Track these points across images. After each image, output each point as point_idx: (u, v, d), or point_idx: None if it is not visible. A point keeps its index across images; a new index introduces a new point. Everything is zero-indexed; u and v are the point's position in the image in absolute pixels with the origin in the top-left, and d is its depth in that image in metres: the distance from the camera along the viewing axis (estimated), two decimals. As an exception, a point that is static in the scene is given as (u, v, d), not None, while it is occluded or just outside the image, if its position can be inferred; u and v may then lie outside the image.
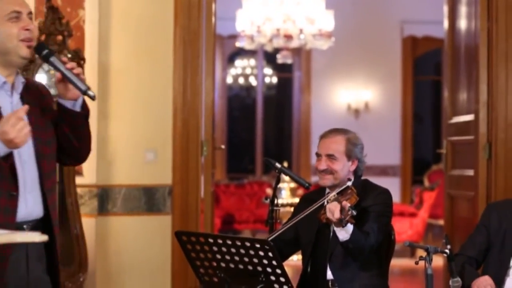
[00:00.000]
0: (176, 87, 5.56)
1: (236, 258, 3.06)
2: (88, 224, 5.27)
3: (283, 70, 13.17)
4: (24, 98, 2.86)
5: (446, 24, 6.22)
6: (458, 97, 6.03)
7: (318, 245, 3.68)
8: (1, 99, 2.81)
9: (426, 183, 11.91)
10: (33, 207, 2.82)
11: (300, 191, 9.45)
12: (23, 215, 2.78)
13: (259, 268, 3.03)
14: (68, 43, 5.10)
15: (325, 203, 3.48)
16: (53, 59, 2.80)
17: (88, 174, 5.36)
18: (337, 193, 3.51)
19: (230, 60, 13.16)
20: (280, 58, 10.95)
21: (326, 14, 9.78)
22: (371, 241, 3.49)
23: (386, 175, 12.00)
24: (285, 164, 9.07)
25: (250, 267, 3.05)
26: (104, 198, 5.46)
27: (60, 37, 5.07)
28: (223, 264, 3.11)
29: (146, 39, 5.57)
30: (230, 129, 13.17)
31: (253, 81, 13.20)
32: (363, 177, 3.78)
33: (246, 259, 3.04)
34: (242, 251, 3.03)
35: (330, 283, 3.63)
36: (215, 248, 3.09)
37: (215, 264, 3.13)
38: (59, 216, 5.05)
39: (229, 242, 3.05)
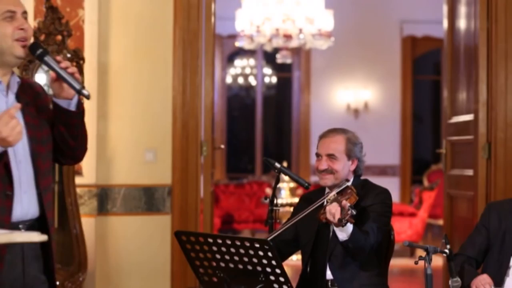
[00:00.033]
0: (175, 87, 5.56)
1: (236, 258, 3.06)
2: (88, 224, 5.27)
3: (282, 70, 13.17)
4: (19, 98, 2.84)
5: (445, 24, 6.22)
6: (457, 97, 6.03)
7: (318, 245, 3.68)
8: None
9: (426, 183, 11.91)
10: (29, 206, 2.81)
11: (300, 191, 9.45)
12: (19, 215, 2.77)
13: (259, 268, 3.03)
14: (68, 43, 5.11)
15: (325, 202, 3.48)
16: (47, 58, 2.79)
17: (87, 174, 5.36)
18: (337, 193, 3.51)
19: (230, 60, 13.16)
20: (279, 58, 10.95)
21: (326, 14, 9.77)
22: (370, 241, 3.49)
23: (386, 175, 12.01)
24: (285, 164, 9.08)
25: (249, 267, 3.05)
26: (104, 198, 5.46)
27: (59, 37, 5.08)
28: (222, 264, 3.11)
29: (145, 39, 5.57)
30: (230, 129, 13.17)
31: (252, 81, 13.20)
32: (362, 177, 3.78)
33: (245, 259, 3.04)
34: (242, 251, 3.03)
35: (329, 283, 3.63)
36: (214, 248, 3.09)
37: (214, 264, 3.13)
38: (58, 216, 5.10)
39: (228, 242, 3.05)
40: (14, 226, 2.74)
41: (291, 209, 4.41)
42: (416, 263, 3.14)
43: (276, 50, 10.75)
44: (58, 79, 2.81)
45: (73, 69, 2.80)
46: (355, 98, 12.26)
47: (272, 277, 3.03)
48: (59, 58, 2.82)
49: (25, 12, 2.85)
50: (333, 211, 3.31)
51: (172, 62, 5.56)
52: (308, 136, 12.29)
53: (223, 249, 3.07)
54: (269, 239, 3.24)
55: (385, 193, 3.68)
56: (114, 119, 5.50)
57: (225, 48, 12.72)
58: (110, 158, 5.48)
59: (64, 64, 2.79)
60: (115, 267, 5.51)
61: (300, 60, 12.45)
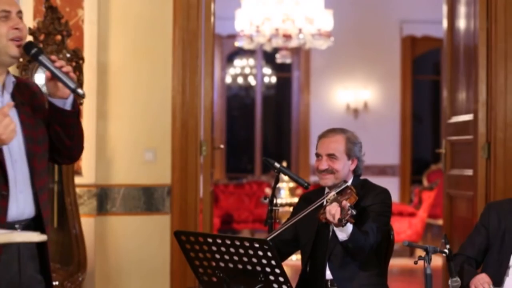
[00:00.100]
0: (175, 87, 5.56)
1: (235, 257, 3.06)
2: (87, 224, 5.27)
3: (282, 70, 13.17)
4: (15, 98, 2.84)
5: (445, 24, 6.22)
6: (457, 97, 6.03)
7: (317, 244, 3.68)
8: None
9: (425, 182, 11.91)
10: (25, 206, 2.80)
11: (299, 191, 9.45)
12: (15, 214, 2.76)
13: (258, 268, 3.03)
14: (67, 43, 5.11)
15: (324, 202, 3.48)
16: (41, 57, 2.78)
17: (87, 174, 5.36)
18: (337, 193, 3.51)
19: (229, 59, 13.16)
20: (279, 58, 10.95)
21: (325, 14, 9.77)
22: (370, 241, 3.49)
23: (385, 175, 12.01)
24: (284, 163, 9.07)
25: (249, 267, 3.05)
26: (103, 198, 5.46)
27: (59, 37, 5.07)
28: (222, 264, 3.11)
29: (145, 38, 5.57)
30: (229, 128, 13.17)
31: (252, 80, 13.20)
32: (362, 177, 3.78)
33: (245, 259, 3.04)
34: (241, 250, 3.03)
35: (329, 283, 3.63)
36: (214, 248, 3.09)
37: (214, 263, 3.13)
38: (58, 216, 5.10)
39: (228, 241, 3.04)
40: (10, 226, 2.74)
41: (291, 209, 4.41)
42: (415, 263, 3.14)
43: (276, 50, 10.75)
44: (53, 78, 2.80)
45: (67, 68, 2.79)
46: (355, 98, 12.26)
47: (271, 277, 3.03)
48: (53, 57, 2.81)
49: (20, 12, 2.85)
50: (333, 211, 3.31)
51: (171, 62, 5.56)
52: (308, 136, 12.29)
53: (223, 249, 3.07)
54: (268, 239, 3.24)
55: (385, 193, 3.68)
56: (113, 119, 5.50)
57: (225, 48, 12.72)
58: (110, 158, 5.48)
59: (59, 63, 2.79)
60: (114, 267, 5.51)
61: (300, 60, 12.45)
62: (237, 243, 3.02)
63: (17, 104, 2.81)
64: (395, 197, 11.43)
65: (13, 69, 4.82)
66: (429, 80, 13.92)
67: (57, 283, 4.99)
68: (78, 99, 2.90)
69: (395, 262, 8.44)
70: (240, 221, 10.90)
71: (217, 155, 11.71)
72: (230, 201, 11.41)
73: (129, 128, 5.54)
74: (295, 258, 7.27)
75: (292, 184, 9.39)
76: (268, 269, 3.02)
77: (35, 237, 2.47)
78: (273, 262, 2.99)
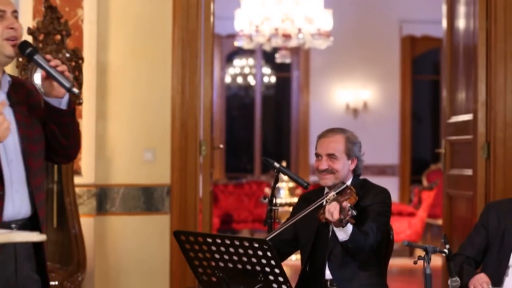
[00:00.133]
0: (174, 87, 5.56)
1: (235, 257, 3.06)
2: (87, 223, 5.27)
3: (281, 70, 13.17)
4: (10, 97, 2.83)
5: (444, 23, 6.22)
6: (456, 97, 6.03)
7: (317, 244, 3.67)
8: None
9: (425, 182, 11.91)
10: (21, 206, 2.79)
11: (299, 191, 9.45)
12: (10, 214, 2.76)
13: (258, 268, 3.03)
14: (67, 43, 5.10)
15: (324, 202, 3.48)
16: (36, 57, 2.78)
17: (86, 173, 5.35)
18: (336, 193, 3.50)
19: (229, 59, 13.15)
20: (278, 58, 10.95)
21: (325, 14, 9.77)
22: (370, 241, 3.49)
23: (385, 175, 12.00)
24: (284, 163, 9.07)
25: (248, 267, 3.05)
26: (103, 197, 5.46)
27: (58, 37, 5.07)
28: (221, 264, 3.11)
29: (144, 38, 5.57)
30: (229, 128, 13.17)
31: (251, 80, 13.20)
32: (361, 177, 3.78)
33: (244, 259, 3.04)
34: (241, 250, 3.02)
35: (329, 283, 3.63)
36: (213, 248, 3.09)
37: (213, 263, 3.13)
38: (57, 216, 5.10)
39: (227, 241, 3.04)
40: (6, 226, 2.73)
41: (290, 209, 4.40)
42: (415, 263, 3.14)
43: (275, 50, 10.74)
44: (48, 77, 2.80)
45: (63, 67, 2.79)
46: (354, 98, 12.26)
47: (271, 277, 3.03)
48: (48, 56, 2.81)
49: (15, 11, 2.84)
50: (332, 211, 3.31)
51: (171, 61, 5.56)
52: (307, 136, 12.29)
53: (222, 248, 3.07)
54: (268, 239, 3.24)
55: (385, 193, 3.68)
56: (113, 118, 5.50)
57: (224, 48, 12.72)
58: (109, 157, 5.48)
59: (54, 62, 2.78)
60: (114, 266, 5.51)
61: (299, 59, 12.45)
62: (237, 243, 3.02)
63: (13, 103, 2.81)
64: (394, 197, 11.41)
65: (12, 69, 4.83)
66: (429, 80, 13.92)
67: (56, 283, 4.99)
68: (76, 98, 2.89)
69: (395, 262, 8.44)
70: (239, 221, 10.91)
71: (217, 155, 11.71)
72: (230, 201, 11.41)
73: (128, 128, 5.54)
74: (295, 258, 7.26)
75: (291, 184, 9.39)
76: (267, 269, 3.02)
77: (35, 237, 2.47)
78: (272, 262, 2.99)
